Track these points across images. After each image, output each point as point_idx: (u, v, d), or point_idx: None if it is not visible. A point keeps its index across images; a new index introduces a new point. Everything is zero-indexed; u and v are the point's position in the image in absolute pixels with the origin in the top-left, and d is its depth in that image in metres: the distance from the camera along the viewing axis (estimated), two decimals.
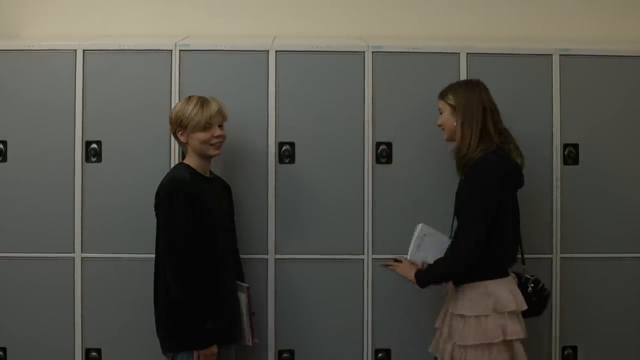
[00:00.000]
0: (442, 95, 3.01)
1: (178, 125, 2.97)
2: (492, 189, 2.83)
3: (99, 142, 3.34)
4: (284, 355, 3.38)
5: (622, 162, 3.42)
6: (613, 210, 3.42)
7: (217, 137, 2.97)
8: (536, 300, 2.99)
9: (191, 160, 3.00)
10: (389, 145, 3.36)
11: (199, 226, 2.87)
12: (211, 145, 2.97)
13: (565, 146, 3.41)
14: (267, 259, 3.36)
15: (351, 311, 3.37)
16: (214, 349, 2.87)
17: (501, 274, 2.90)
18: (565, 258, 3.40)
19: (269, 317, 3.36)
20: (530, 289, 2.98)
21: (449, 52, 3.39)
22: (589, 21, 3.82)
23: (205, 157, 3.00)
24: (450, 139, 3.00)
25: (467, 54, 3.38)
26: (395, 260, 3.14)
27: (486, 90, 2.98)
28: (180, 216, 2.84)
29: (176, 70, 3.34)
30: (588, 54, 3.42)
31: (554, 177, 3.40)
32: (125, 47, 3.35)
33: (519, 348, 2.87)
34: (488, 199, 2.82)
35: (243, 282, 3.14)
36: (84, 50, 3.33)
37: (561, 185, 3.40)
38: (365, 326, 3.37)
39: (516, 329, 2.84)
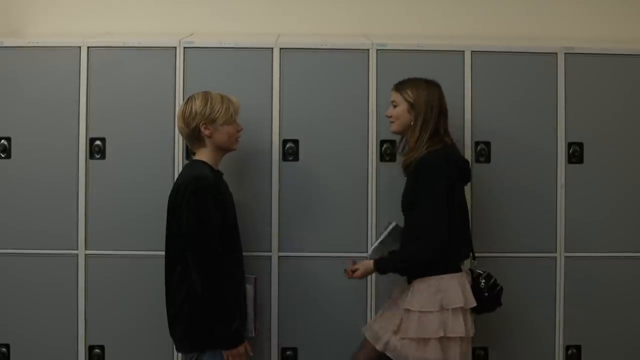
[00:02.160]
0: (400, 89, 3.02)
1: (206, 118, 2.91)
2: (442, 179, 2.88)
3: (103, 139, 3.34)
4: (288, 352, 3.38)
5: (627, 161, 3.41)
6: (618, 209, 3.41)
7: (239, 131, 3.02)
8: (488, 296, 3.00)
9: (208, 157, 2.96)
10: (393, 143, 3.36)
11: (224, 224, 2.88)
12: (235, 139, 3.00)
13: (570, 145, 3.40)
14: (271, 256, 3.36)
15: (354, 309, 3.37)
16: (242, 348, 2.85)
17: (453, 269, 2.94)
18: (569, 257, 3.39)
19: (272, 314, 3.36)
20: (482, 284, 3.00)
21: (453, 50, 3.38)
22: (594, 20, 3.82)
23: (226, 152, 3.01)
24: (400, 132, 3.05)
25: (472, 52, 3.38)
26: (351, 269, 3.08)
27: (442, 92, 3.02)
28: (210, 214, 2.81)
29: (180, 67, 3.34)
30: (593, 52, 3.41)
31: (559, 175, 3.39)
32: (130, 45, 3.36)
33: (455, 346, 2.89)
34: (441, 189, 2.87)
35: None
36: (88, 48, 3.34)
37: (566, 183, 3.39)
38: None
39: (457, 327, 2.87)
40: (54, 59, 3.34)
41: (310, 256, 3.37)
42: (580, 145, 3.40)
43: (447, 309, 2.87)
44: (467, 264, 3.14)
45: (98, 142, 3.34)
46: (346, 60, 3.37)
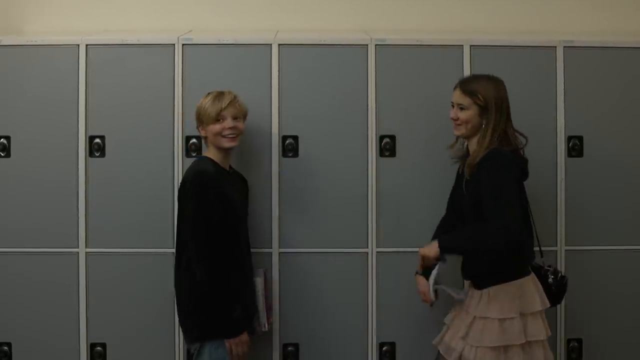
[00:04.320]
0: (469, 92, 2.86)
1: (197, 119, 3.06)
2: (511, 173, 2.77)
3: (102, 137, 3.34)
4: (289, 348, 3.38)
5: (627, 154, 3.41)
6: (618, 202, 3.41)
7: (229, 129, 3.01)
8: (556, 291, 2.94)
9: (212, 154, 3.06)
10: (392, 138, 3.36)
11: (225, 217, 2.94)
12: (223, 137, 3.01)
13: (569, 138, 3.40)
14: (271, 252, 3.36)
15: (355, 305, 3.37)
16: (245, 336, 2.93)
17: (527, 271, 2.86)
18: (570, 250, 3.39)
19: (273, 310, 3.35)
20: (551, 280, 2.93)
21: (452, 44, 3.38)
22: (593, 13, 3.81)
23: (222, 150, 3.04)
24: (467, 136, 2.91)
25: (471, 46, 3.37)
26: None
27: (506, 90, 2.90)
28: (208, 208, 2.90)
29: (179, 64, 3.33)
30: (592, 46, 3.41)
31: (559, 169, 3.39)
32: (128, 42, 3.35)
33: (537, 349, 2.82)
34: (511, 182, 2.75)
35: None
36: (87, 45, 3.33)
37: (566, 177, 3.39)
38: (370, 320, 3.37)
39: (537, 330, 2.81)
40: (52, 57, 3.34)
41: (310, 252, 3.37)
42: (580, 138, 3.40)
43: (526, 314, 2.80)
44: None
45: (97, 140, 3.34)
46: (345, 55, 3.37)
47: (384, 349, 3.38)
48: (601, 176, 3.40)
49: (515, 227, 2.69)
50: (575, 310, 3.40)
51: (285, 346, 3.38)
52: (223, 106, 3.01)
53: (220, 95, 3.04)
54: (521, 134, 2.94)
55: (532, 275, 2.89)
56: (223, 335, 2.90)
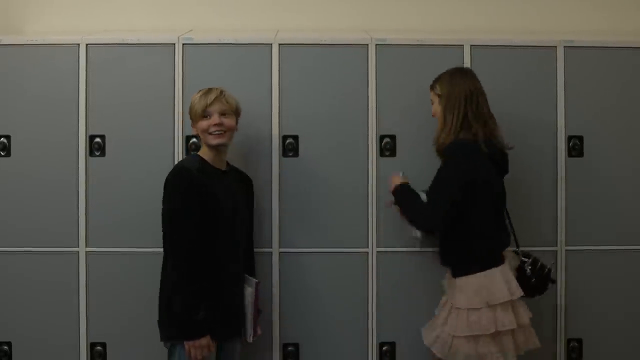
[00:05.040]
0: (432, 86, 3.09)
1: (190, 118, 3.03)
2: (457, 171, 2.92)
3: (102, 136, 3.34)
4: (289, 348, 3.38)
5: (627, 154, 3.41)
6: (618, 202, 3.41)
7: (215, 125, 2.96)
8: (536, 281, 3.01)
9: (203, 152, 3.03)
10: (392, 138, 3.36)
11: (202, 216, 2.87)
12: (210, 134, 2.96)
13: (569, 138, 3.40)
14: (272, 252, 3.36)
15: (356, 305, 3.37)
16: (205, 340, 2.82)
17: (495, 262, 2.94)
18: (570, 250, 3.40)
19: (273, 310, 3.36)
20: (528, 271, 3.02)
21: (452, 44, 3.38)
22: (594, 13, 3.81)
23: (213, 147, 2.99)
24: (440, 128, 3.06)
25: (471, 46, 3.37)
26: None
27: (472, 77, 3.02)
28: (181, 204, 2.85)
29: (179, 64, 3.33)
30: (592, 45, 3.41)
31: (559, 169, 3.39)
32: (129, 42, 3.35)
33: (508, 337, 2.91)
34: (452, 179, 2.91)
35: (253, 276, 3.12)
36: (87, 45, 3.33)
37: (566, 177, 3.39)
38: (370, 320, 3.37)
39: (507, 320, 2.88)
40: (52, 56, 3.34)
41: (311, 252, 3.36)
42: (580, 138, 3.40)
43: (495, 305, 2.88)
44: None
45: (98, 140, 3.34)
46: (345, 55, 3.37)
47: (384, 349, 3.38)
48: (601, 176, 3.40)
49: (435, 219, 2.95)
50: (575, 310, 3.40)
51: (285, 346, 3.38)
52: (208, 102, 2.95)
53: (207, 91, 2.99)
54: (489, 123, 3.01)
55: (502, 267, 2.94)
56: (184, 337, 2.82)
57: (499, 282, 2.90)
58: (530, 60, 3.39)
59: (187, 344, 2.81)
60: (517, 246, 3.12)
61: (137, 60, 3.35)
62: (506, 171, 3.09)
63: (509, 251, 3.06)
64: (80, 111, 3.33)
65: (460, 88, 2.98)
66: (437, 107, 3.05)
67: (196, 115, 2.98)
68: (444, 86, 3.02)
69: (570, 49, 3.39)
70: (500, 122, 3.36)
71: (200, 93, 3.00)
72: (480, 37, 3.44)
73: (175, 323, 2.84)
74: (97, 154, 3.34)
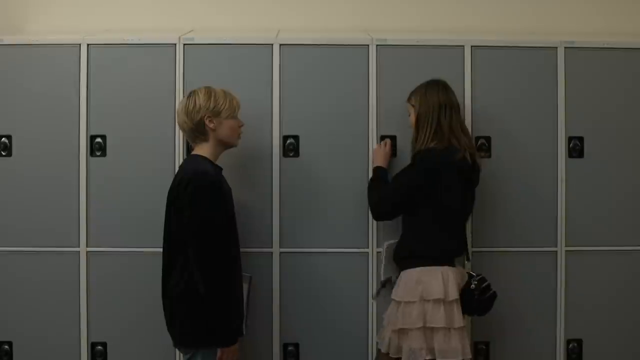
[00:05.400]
0: (408, 98, 3.19)
1: (210, 112, 2.92)
2: (413, 175, 3.06)
3: (103, 137, 3.34)
4: (289, 348, 3.39)
5: (627, 155, 3.41)
6: (618, 202, 3.41)
7: (241, 126, 3.04)
8: (478, 298, 3.03)
9: (209, 152, 2.96)
10: (393, 138, 3.36)
11: (225, 218, 2.87)
12: (238, 134, 3.02)
13: (570, 139, 3.40)
14: (272, 252, 3.36)
15: (356, 305, 3.37)
16: (236, 345, 2.85)
17: (438, 262, 3.01)
18: (570, 251, 3.40)
19: (273, 310, 3.36)
20: (473, 285, 3.04)
21: (453, 45, 3.38)
22: (594, 14, 3.81)
23: (227, 147, 3.01)
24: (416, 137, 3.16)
25: (472, 46, 3.37)
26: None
27: (446, 90, 3.11)
28: (213, 211, 2.80)
29: (180, 64, 3.34)
30: (593, 46, 3.41)
31: (559, 170, 3.39)
32: (130, 42, 3.35)
33: (439, 336, 2.94)
34: (405, 181, 3.07)
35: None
36: (88, 45, 3.33)
37: (566, 178, 3.39)
38: (370, 319, 3.37)
39: (437, 318, 2.94)
40: (54, 56, 3.34)
41: (311, 252, 3.37)
42: (581, 139, 3.40)
43: (428, 300, 2.95)
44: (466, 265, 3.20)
45: (99, 140, 3.34)
46: (346, 55, 3.37)
47: None
48: (601, 177, 3.41)
49: (380, 207, 3.15)
50: (575, 310, 3.40)
51: (285, 346, 3.38)
52: (239, 103, 3.01)
53: (227, 91, 2.99)
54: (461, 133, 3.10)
55: (447, 268, 3.02)
56: (218, 344, 2.81)
57: (437, 279, 2.97)
58: (531, 61, 3.39)
59: (222, 351, 2.81)
60: (467, 257, 3.24)
61: (138, 60, 3.35)
62: (475, 183, 3.17)
63: (464, 270, 3.13)
64: (82, 111, 3.33)
65: (434, 100, 3.08)
66: (412, 118, 3.15)
67: (231, 113, 2.96)
68: (418, 98, 3.12)
69: (571, 50, 3.39)
70: (500, 122, 3.38)
71: (221, 91, 2.96)
72: (480, 37, 3.44)
73: (211, 331, 2.79)
74: (98, 153, 3.34)
